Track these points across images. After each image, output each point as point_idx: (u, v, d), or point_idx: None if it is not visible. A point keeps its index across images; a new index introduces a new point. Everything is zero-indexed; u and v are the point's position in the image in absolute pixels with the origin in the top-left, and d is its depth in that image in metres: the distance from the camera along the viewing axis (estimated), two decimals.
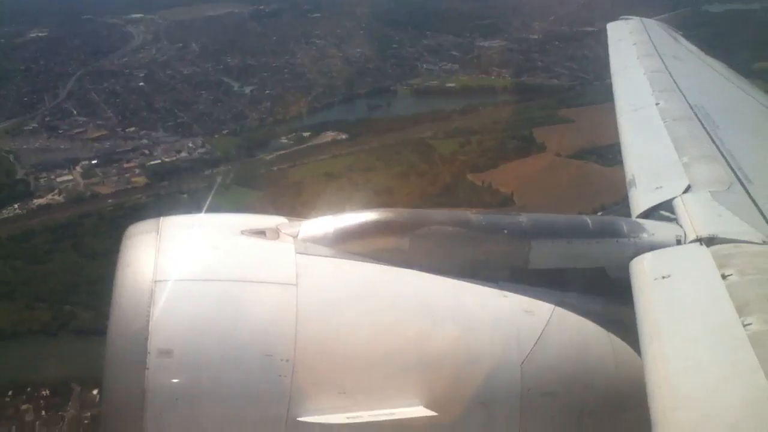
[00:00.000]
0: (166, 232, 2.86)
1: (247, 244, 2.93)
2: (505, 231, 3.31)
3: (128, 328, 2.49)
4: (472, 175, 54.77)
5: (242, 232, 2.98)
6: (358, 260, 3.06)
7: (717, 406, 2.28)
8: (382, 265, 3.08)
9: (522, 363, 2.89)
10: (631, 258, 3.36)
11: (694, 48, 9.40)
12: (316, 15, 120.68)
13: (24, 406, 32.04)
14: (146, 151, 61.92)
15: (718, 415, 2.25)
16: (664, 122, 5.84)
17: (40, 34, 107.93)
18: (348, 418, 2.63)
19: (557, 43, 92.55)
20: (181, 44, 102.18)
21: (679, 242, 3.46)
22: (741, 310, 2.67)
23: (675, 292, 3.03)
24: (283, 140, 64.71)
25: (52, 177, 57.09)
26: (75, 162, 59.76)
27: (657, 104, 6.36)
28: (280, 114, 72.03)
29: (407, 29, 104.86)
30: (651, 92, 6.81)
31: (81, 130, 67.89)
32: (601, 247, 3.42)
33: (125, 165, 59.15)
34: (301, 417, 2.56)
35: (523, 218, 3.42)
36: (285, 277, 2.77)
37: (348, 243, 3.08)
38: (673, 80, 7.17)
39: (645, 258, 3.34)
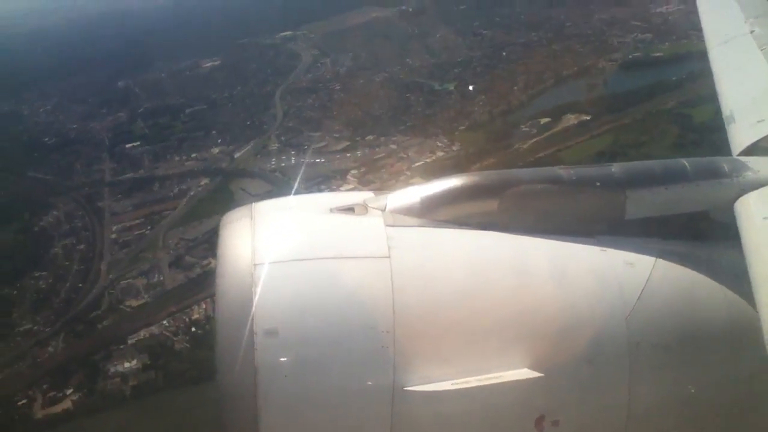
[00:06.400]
0: (258, 217, 2.95)
1: (337, 221, 2.98)
2: (598, 183, 3.23)
3: (234, 312, 2.61)
4: None
5: (331, 210, 3.04)
6: (448, 227, 3.05)
7: None
8: (473, 230, 3.05)
9: (627, 317, 2.84)
10: (736, 198, 3.21)
11: None
12: (462, 7, 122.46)
13: None
14: (403, 155, 65.20)
15: None
16: (762, 50, 5.44)
17: (214, 63, 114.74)
18: (454, 384, 2.67)
19: None
20: (351, 54, 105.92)
21: None
22: None
23: None
24: (524, 129, 66.61)
25: (333, 189, 61.10)
26: (344, 172, 63.80)
27: (752, 32, 5.92)
28: (504, 105, 74.09)
29: (566, 7, 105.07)
30: (744, 19, 6.29)
31: (323, 144, 72.05)
32: (702, 189, 3.26)
33: (392, 170, 62.60)
34: (407, 386, 2.62)
35: (616, 168, 3.33)
36: (377, 250, 2.82)
37: (436, 211, 3.08)
38: None
39: (750, 197, 3.18)
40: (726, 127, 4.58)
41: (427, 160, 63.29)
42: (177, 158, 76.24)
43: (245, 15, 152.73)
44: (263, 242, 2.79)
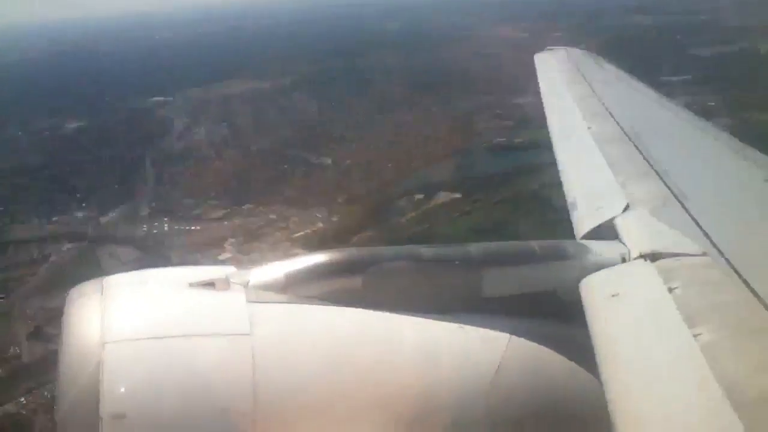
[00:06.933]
0: (110, 291, 2.87)
1: (195, 296, 2.92)
2: (456, 262, 3.38)
3: (78, 394, 2.47)
4: None
5: (190, 285, 2.97)
6: (313, 303, 3.06)
7: (678, 420, 2.36)
8: (337, 307, 3.07)
9: (485, 394, 2.93)
10: (580, 279, 3.43)
11: (619, 72, 9.76)
12: (339, 85, 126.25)
13: None
14: (282, 225, 65.25)
15: (680, 428, 2.33)
16: (598, 145, 6.00)
17: (80, 125, 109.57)
18: None
19: None
20: (225, 122, 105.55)
21: (624, 260, 3.56)
22: (690, 321, 2.77)
23: (625, 308, 3.10)
24: (401, 204, 69.29)
25: (208, 257, 59.48)
26: (221, 240, 62.54)
27: (589, 128, 6.56)
28: (378, 180, 76.84)
29: (431, 92, 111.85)
30: (582, 117, 7.02)
31: (199, 211, 70.56)
32: (550, 270, 3.50)
33: (272, 239, 62.32)
34: None
35: (473, 248, 3.51)
36: (238, 327, 2.77)
37: (300, 287, 3.09)
38: (603, 104, 7.41)
39: (593, 278, 3.41)
40: (570, 212, 4.94)
41: (308, 231, 63.76)
42: (36, 221, 71.11)
43: (115, 76, 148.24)
44: (114, 319, 2.71)
